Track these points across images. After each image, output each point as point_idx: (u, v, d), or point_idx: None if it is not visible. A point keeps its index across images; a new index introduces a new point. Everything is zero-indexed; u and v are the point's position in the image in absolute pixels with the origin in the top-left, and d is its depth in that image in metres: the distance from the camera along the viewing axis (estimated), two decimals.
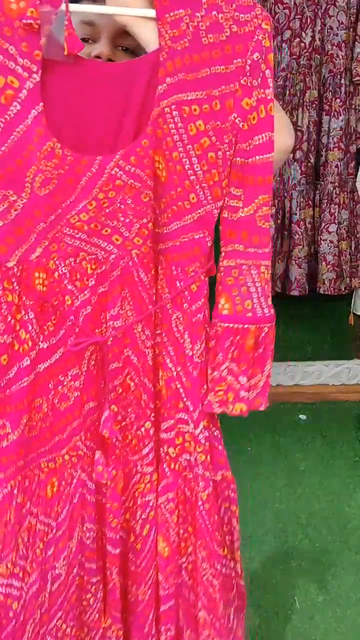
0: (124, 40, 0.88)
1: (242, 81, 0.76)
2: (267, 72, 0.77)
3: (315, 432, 2.53)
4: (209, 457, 0.87)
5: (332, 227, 2.58)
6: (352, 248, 2.66)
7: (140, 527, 0.88)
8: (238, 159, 0.80)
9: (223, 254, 0.84)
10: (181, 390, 0.86)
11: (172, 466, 0.88)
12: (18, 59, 0.72)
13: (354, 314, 2.81)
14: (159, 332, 0.86)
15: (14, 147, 0.75)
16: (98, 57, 0.88)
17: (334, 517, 2.03)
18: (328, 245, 2.59)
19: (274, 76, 0.81)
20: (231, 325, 0.83)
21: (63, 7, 0.71)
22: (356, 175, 2.58)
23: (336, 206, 2.56)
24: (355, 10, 2.41)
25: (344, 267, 2.63)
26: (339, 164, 2.52)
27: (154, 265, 0.84)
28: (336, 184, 2.54)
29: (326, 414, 2.67)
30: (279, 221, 2.59)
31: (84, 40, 0.89)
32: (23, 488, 0.85)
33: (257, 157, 0.79)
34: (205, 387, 0.86)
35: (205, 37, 0.75)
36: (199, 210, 0.81)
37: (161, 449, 0.88)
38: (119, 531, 0.87)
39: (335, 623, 1.64)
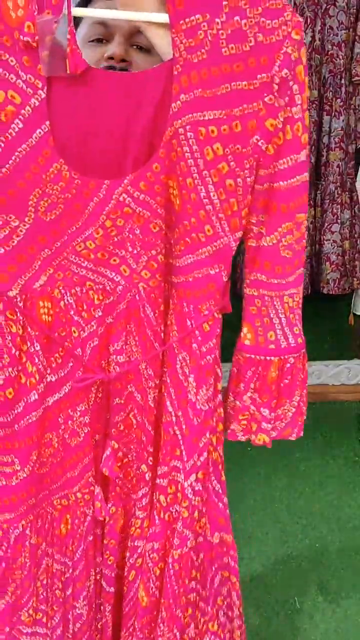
0: (138, 38, 0.82)
1: (266, 99, 0.67)
2: (295, 87, 0.67)
3: (315, 432, 2.52)
4: (196, 513, 0.80)
5: (335, 227, 2.59)
6: (354, 247, 2.67)
7: (128, 571, 0.85)
8: (264, 184, 0.71)
9: (247, 280, 0.78)
10: (179, 437, 0.79)
11: (162, 515, 0.82)
12: (20, 72, 0.65)
13: (354, 314, 2.81)
14: (165, 370, 0.80)
15: (16, 168, 0.68)
16: (111, 57, 0.83)
17: (334, 517, 2.03)
18: (331, 245, 2.59)
19: (304, 90, 0.69)
20: (253, 356, 0.78)
21: (65, 11, 0.63)
22: (355, 176, 2.58)
23: (338, 206, 2.56)
24: (355, 10, 2.41)
25: (347, 266, 2.64)
26: (340, 164, 2.52)
27: (164, 300, 0.78)
28: (338, 184, 2.54)
29: (326, 414, 2.66)
30: None
31: (99, 40, 0.85)
32: (36, 528, 0.82)
33: (281, 183, 0.71)
34: (207, 435, 0.79)
35: (226, 47, 0.65)
36: (215, 243, 0.73)
37: (154, 494, 0.83)
38: (115, 569, 0.85)
39: (335, 623, 1.64)
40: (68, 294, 0.75)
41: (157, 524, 0.82)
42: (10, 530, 0.80)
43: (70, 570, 0.85)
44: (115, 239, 0.74)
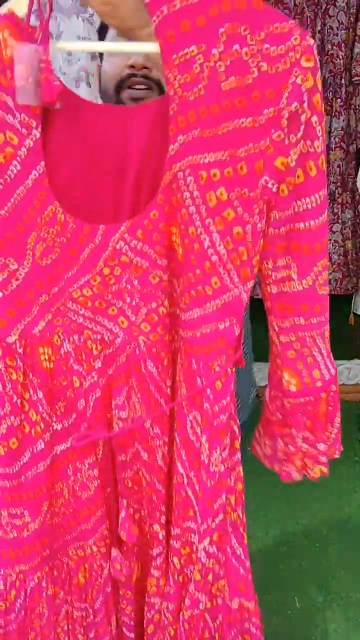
0: None
1: (274, 136, 0.59)
2: (314, 119, 0.60)
3: None
4: (210, 576, 0.76)
5: (336, 227, 2.59)
6: (357, 247, 2.67)
7: (146, 624, 0.83)
8: (282, 227, 0.65)
9: (276, 328, 0.71)
10: (192, 498, 0.74)
11: (176, 577, 0.78)
12: (15, 112, 0.62)
13: (354, 313, 2.81)
14: (175, 428, 0.75)
15: (14, 211, 0.66)
16: (132, 66, 0.82)
17: (334, 517, 2.03)
18: (332, 245, 2.60)
19: (322, 120, 0.62)
20: (302, 399, 0.72)
21: (52, 46, 0.60)
22: (356, 175, 2.58)
23: (339, 206, 2.57)
24: (355, 10, 2.41)
25: (351, 266, 2.64)
26: (340, 163, 2.52)
27: (169, 354, 0.72)
28: (338, 183, 2.54)
29: None
30: None
31: None
32: (52, 579, 0.81)
33: (311, 223, 0.64)
34: (222, 497, 0.73)
35: (226, 80, 0.58)
36: (224, 296, 0.66)
37: (169, 555, 0.79)
38: (133, 617, 0.84)
39: (335, 623, 1.64)
40: (67, 341, 0.72)
41: (172, 585, 0.79)
42: (27, 582, 0.79)
43: (92, 617, 0.84)
44: (113, 288, 0.69)
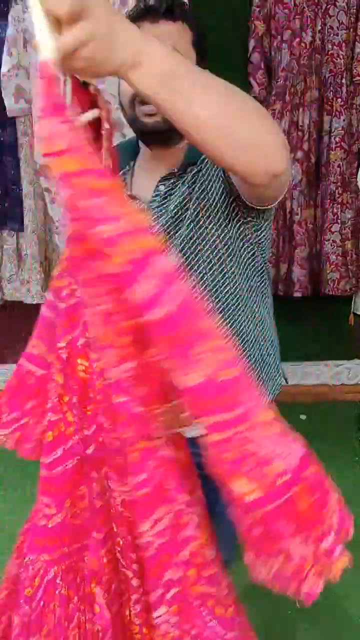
0: None
1: None
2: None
3: (315, 432, 2.52)
4: None
5: (335, 227, 2.59)
6: (357, 247, 2.66)
7: None
8: (136, 317, 0.60)
9: (203, 427, 0.57)
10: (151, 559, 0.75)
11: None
12: None
13: (354, 313, 2.81)
14: None
15: None
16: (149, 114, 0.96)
17: None
18: (331, 245, 2.59)
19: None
20: (270, 507, 0.56)
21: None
22: (356, 176, 2.58)
23: (339, 206, 2.56)
24: (355, 10, 2.42)
25: (349, 267, 2.63)
26: (341, 163, 2.52)
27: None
28: (338, 183, 2.54)
29: (326, 414, 2.66)
30: (280, 222, 2.59)
31: None
32: (68, 580, 0.84)
33: (155, 313, 0.56)
34: (170, 572, 0.71)
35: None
36: (110, 377, 0.72)
37: (149, 607, 0.78)
38: None
39: (335, 623, 1.64)
40: (97, 359, 0.80)
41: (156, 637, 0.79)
42: (47, 573, 0.83)
43: (100, 635, 0.85)
44: None
